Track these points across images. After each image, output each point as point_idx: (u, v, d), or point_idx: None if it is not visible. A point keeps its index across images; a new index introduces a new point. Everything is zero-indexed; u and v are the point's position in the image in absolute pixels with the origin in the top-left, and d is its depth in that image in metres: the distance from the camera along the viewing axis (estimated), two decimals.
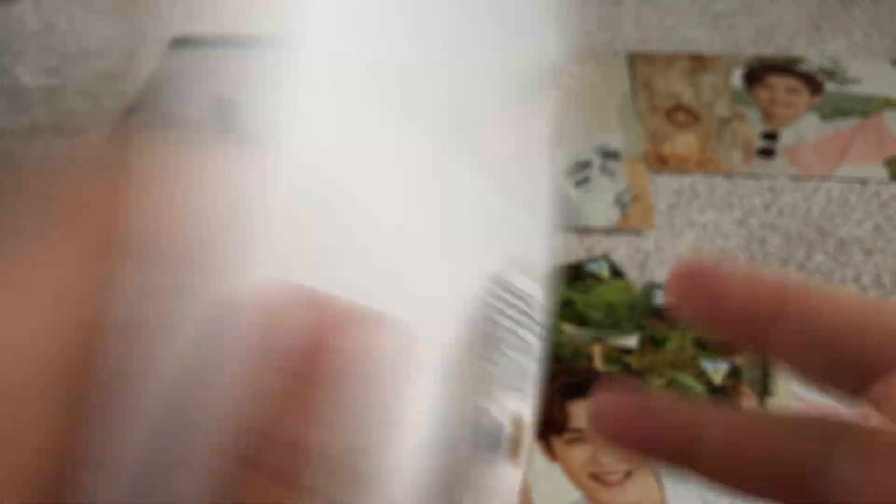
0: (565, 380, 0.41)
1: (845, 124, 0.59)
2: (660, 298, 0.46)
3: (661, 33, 0.70)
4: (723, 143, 0.57)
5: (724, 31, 0.70)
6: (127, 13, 0.74)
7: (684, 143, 0.58)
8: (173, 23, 0.72)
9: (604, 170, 0.55)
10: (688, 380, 0.42)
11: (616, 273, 0.48)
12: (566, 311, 0.46)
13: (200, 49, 0.68)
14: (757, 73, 0.64)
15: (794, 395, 0.40)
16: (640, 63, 0.66)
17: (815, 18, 0.72)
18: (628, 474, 0.37)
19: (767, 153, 0.57)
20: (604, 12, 0.73)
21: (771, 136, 0.58)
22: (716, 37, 0.69)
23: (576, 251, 0.50)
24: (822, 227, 0.51)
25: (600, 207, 0.52)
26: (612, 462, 0.37)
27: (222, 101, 0.63)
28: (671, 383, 0.42)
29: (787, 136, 0.58)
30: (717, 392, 0.42)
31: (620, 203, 0.53)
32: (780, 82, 0.63)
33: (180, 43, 0.69)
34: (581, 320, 0.46)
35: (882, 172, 0.55)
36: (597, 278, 0.48)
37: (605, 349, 0.43)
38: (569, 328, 0.45)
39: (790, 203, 0.53)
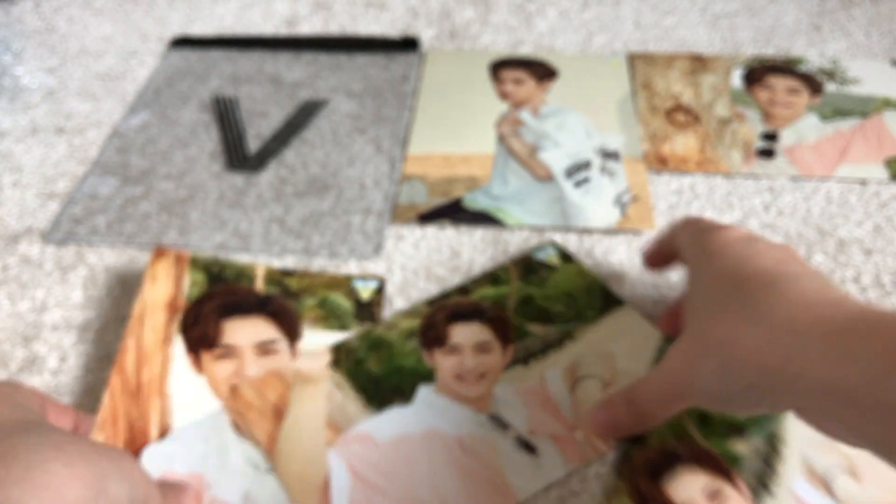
0: None
1: (845, 124, 0.59)
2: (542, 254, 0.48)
3: (661, 33, 0.70)
4: (723, 144, 0.57)
5: (724, 31, 0.70)
6: (127, 13, 0.74)
7: (684, 143, 0.58)
8: (173, 23, 0.73)
9: (604, 170, 0.55)
10: (339, 298, 0.45)
11: (566, 258, 0.47)
12: (527, 309, 0.45)
13: (200, 49, 0.69)
14: (757, 73, 0.64)
15: (793, 493, 0.37)
16: (640, 63, 0.66)
17: (815, 18, 0.72)
18: None
19: (767, 153, 0.57)
20: (604, 12, 0.73)
21: (771, 137, 0.58)
22: (716, 37, 0.69)
23: (576, 250, 0.50)
24: (822, 227, 0.51)
25: (600, 207, 0.52)
26: None
27: (221, 100, 0.63)
28: (323, 303, 0.45)
29: (787, 137, 0.58)
30: (365, 307, 0.45)
31: (620, 203, 0.53)
32: (779, 83, 0.63)
33: (180, 43, 0.69)
34: (544, 317, 0.44)
35: (882, 172, 0.55)
36: (548, 267, 0.47)
37: None
38: (535, 327, 0.44)
39: (790, 203, 0.53)
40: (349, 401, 0.41)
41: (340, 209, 0.53)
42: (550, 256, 0.48)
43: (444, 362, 0.42)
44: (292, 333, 0.43)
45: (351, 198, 0.53)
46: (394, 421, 0.40)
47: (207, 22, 0.72)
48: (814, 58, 0.66)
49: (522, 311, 0.45)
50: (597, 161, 0.56)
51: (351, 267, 0.49)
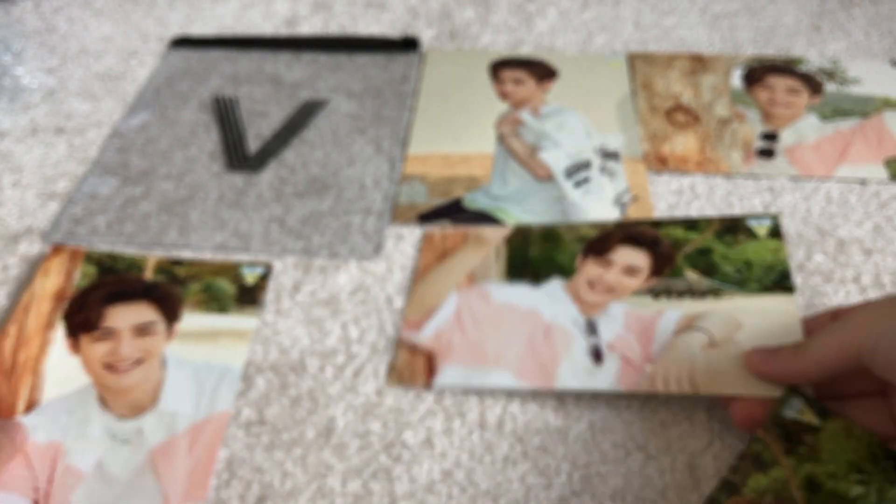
0: None
1: (845, 124, 0.59)
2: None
3: (661, 33, 0.70)
4: (723, 144, 0.57)
5: (724, 31, 0.70)
6: (127, 13, 0.74)
7: (684, 143, 0.58)
8: (173, 23, 0.72)
9: (604, 170, 0.55)
10: (223, 283, 0.48)
11: (775, 234, 0.47)
12: (698, 259, 0.46)
13: (200, 49, 0.69)
14: (757, 73, 0.64)
15: None
16: (640, 63, 0.66)
17: (815, 18, 0.72)
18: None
19: (767, 153, 0.57)
20: (604, 12, 0.73)
21: (771, 137, 0.58)
22: (716, 37, 0.69)
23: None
24: (822, 227, 0.51)
25: (600, 207, 0.52)
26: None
27: (221, 100, 0.63)
28: (207, 287, 0.47)
29: (787, 137, 0.58)
30: (247, 292, 0.48)
31: (620, 203, 0.53)
32: (779, 82, 0.63)
33: (180, 43, 0.69)
34: (709, 270, 0.45)
35: (882, 172, 0.55)
36: (752, 234, 0.47)
37: None
38: (692, 275, 0.45)
39: (790, 203, 0.53)
40: (494, 266, 0.48)
41: (340, 209, 0.53)
42: (762, 226, 0.47)
43: (589, 269, 0.47)
44: (171, 316, 0.46)
45: (351, 198, 0.53)
46: (514, 292, 0.47)
47: (207, 22, 0.72)
48: (814, 58, 0.66)
49: (692, 259, 0.46)
50: (597, 161, 0.56)
51: (351, 267, 0.49)
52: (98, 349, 0.44)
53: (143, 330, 0.45)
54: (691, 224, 0.48)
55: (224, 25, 0.72)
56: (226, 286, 0.48)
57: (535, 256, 0.48)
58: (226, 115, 0.61)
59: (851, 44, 0.68)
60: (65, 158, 0.58)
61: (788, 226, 0.51)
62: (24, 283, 0.49)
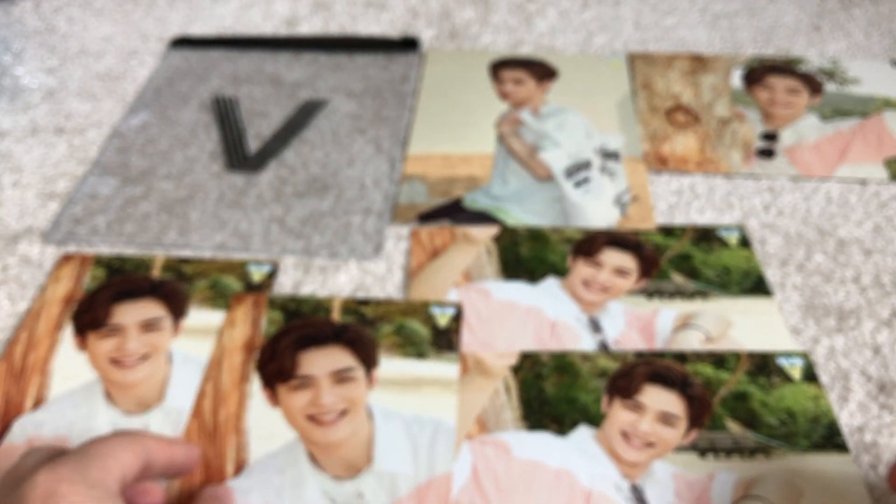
0: None
1: (845, 124, 0.59)
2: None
3: (661, 33, 0.70)
4: (723, 144, 0.57)
5: (724, 31, 0.70)
6: (127, 13, 0.74)
7: (684, 143, 0.58)
8: (173, 23, 0.72)
9: (604, 170, 0.55)
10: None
11: (744, 243, 0.50)
12: (680, 262, 0.48)
13: (200, 49, 0.69)
14: (757, 73, 0.64)
15: None
16: (640, 63, 0.66)
17: (815, 18, 0.72)
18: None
19: (767, 153, 0.57)
20: (604, 12, 0.73)
21: (771, 137, 0.58)
22: (716, 37, 0.69)
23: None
24: (822, 227, 0.51)
25: (600, 207, 0.52)
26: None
27: (221, 100, 0.63)
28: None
29: (787, 137, 0.58)
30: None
31: (620, 203, 0.53)
32: (779, 83, 0.63)
33: (180, 43, 0.69)
34: (691, 273, 0.48)
35: (882, 173, 0.55)
36: (724, 244, 0.50)
37: None
38: (678, 277, 0.48)
39: (790, 203, 0.53)
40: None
41: (340, 209, 0.53)
42: (731, 236, 0.50)
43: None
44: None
45: (351, 198, 0.53)
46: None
47: (207, 22, 0.72)
48: (814, 58, 0.66)
49: (676, 264, 0.49)
50: (597, 161, 0.56)
51: (351, 267, 0.49)
52: (104, 345, 0.44)
53: (149, 326, 0.45)
54: (668, 231, 0.50)
55: (224, 25, 0.72)
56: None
57: (526, 256, 0.49)
58: (226, 115, 0.61)
59: (851, 44, 0.68)
60: (65, 158, 0.58)
61: (788, 225, 0.51)
62: (35, 292, 0.49)
